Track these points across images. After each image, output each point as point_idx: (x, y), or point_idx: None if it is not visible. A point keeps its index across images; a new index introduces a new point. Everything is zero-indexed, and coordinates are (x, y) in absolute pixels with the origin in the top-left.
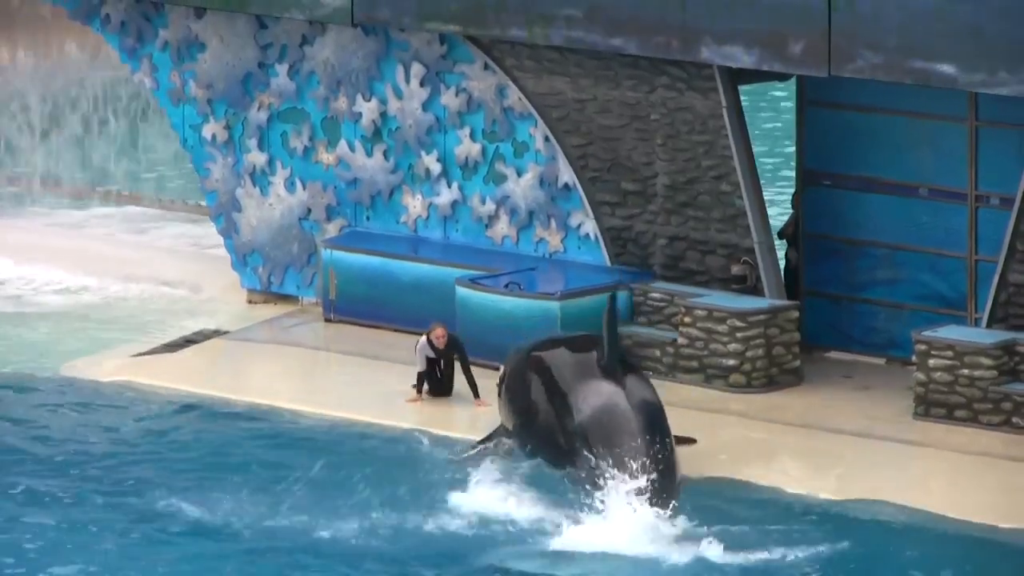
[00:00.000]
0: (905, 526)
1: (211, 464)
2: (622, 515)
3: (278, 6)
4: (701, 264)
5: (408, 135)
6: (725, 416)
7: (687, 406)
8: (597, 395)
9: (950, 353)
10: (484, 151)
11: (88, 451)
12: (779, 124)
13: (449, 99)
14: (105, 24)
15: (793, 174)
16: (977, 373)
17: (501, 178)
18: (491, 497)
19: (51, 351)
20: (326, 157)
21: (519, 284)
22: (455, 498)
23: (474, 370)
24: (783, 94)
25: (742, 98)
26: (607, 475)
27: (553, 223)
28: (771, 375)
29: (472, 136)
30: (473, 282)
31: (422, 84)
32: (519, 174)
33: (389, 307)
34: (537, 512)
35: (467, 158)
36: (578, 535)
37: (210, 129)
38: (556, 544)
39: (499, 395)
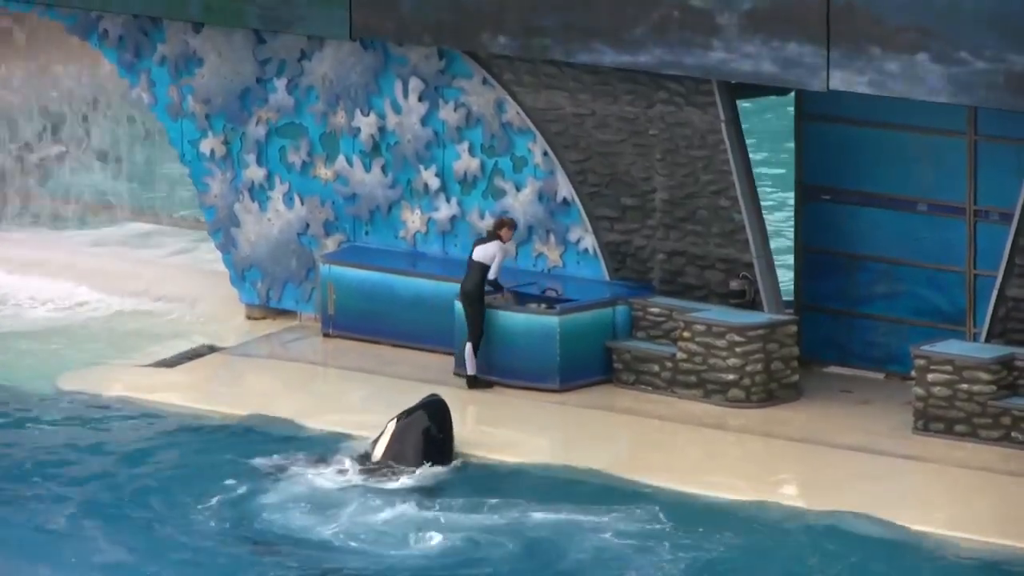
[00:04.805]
0: (904, 542)
1: (210, 477)
2: None
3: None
4: (700, 279)
5: (407, 150)
6: (724, 431)
7: (686, 421)
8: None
9: (949, 368)
10: (483, 166)
11: (83, 466)
12: None
13: (448, 114)
14: (103, 39)
15: None
16: (976, 388)
17: (500, 193)
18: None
19: (49, 366)
20: (324, 172)
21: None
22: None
23: (476, 388)
24: None
25: None
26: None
27: (552, 238)
28: (770, 390)
29: (471, 151)
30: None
31: (420, 99)
32: (518, 189)
33: (388, 322)
34: None
35: (466, 173)
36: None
37: (208, 144)
38: None
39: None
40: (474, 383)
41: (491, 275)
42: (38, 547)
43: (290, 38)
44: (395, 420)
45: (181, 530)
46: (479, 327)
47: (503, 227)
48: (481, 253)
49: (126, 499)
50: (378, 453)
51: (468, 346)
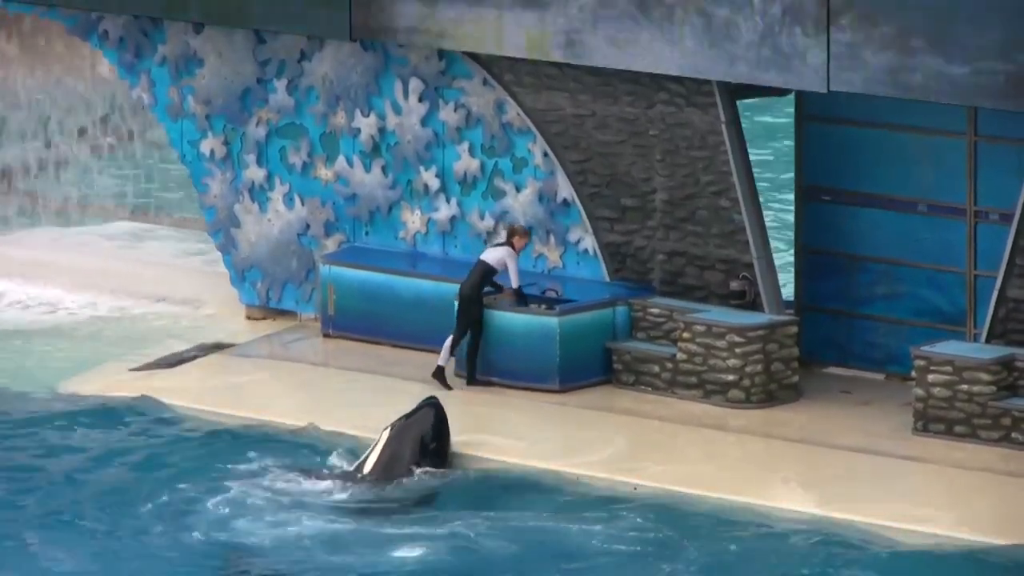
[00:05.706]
0: (904, 542)
1: (210, 478)
2: None
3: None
4: (700, 279)
5: (407, 150)
6: (724, 432)
7: (686, 421)
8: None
9: (949, 368)
10: (483, 167)
11: (82, 466)
12: None
13: (448, 114)
14: (103, 40)
15: None
16: (976, 388)
17: (500, 194)
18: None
19: (48, 367)
20: (324, 173)
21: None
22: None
23: (475, 389)
24: None
25: None
26: None
27: (552, 239)
28: (770, 390)
29: (471, 152)
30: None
31: (421, 99)
32: (518, 190)
33: (388, 323)
34: None
35: (466, 173)
36: None
37: (208, 145)
38: None
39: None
40: (437, 374)
41: (513, 284)
42: (31, 547)
43: (290, 39)
44: (390, 427)
45: (170, 533)
46: (467, 327)
47: (515, 235)
48: (488, 255)
49: (120, 500)
50: (373, 459)
51: (449, 338)
